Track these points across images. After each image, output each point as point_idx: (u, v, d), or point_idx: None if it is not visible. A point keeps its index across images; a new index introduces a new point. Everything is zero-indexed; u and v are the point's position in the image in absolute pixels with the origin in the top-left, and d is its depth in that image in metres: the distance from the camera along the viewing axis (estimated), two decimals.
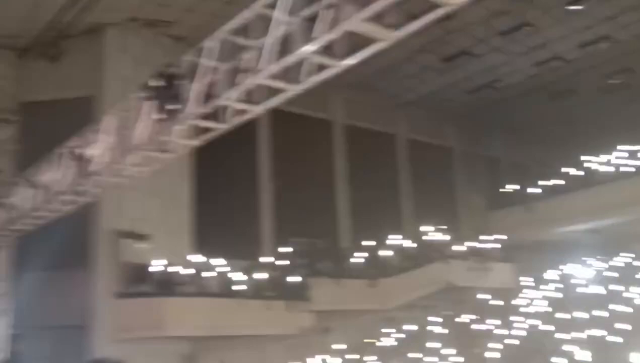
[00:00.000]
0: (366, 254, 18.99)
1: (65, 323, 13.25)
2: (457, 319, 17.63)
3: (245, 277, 16.34)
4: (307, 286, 17.03)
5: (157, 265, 14.81)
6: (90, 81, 15.27)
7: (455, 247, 20.13)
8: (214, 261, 16.30)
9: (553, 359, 13.26)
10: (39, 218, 9.16)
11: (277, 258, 17.92)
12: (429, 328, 17.31)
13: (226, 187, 17.58)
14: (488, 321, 17.09)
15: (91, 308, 13.97)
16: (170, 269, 15.08)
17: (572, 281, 19.65)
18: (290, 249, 18.54)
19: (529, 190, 21.48)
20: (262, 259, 17.87)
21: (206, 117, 7.62)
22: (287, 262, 17.75)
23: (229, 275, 16.29)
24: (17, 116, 13.69)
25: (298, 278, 16.85)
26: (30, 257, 11.56)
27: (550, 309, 17.46)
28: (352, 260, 18.85)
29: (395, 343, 16.98)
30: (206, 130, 7.92)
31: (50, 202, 8.86)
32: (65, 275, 12.04)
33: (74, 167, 8.54)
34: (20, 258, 10.49)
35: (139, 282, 14.46)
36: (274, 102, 7.23)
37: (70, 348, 13.04)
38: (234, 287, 16.00)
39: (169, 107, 7.29)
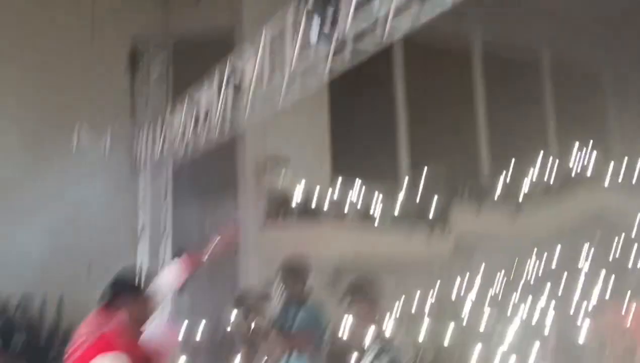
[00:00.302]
0: (509, 180, 18.34)
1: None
2: (609, 253, 16.63)
3: (385, 202, 16.34)
4: (447, 212, 16.76)
5: (299, 193, 15.10)
6: (231, 18, 15.39)
7: (608, 173, 18.94)
8: (353, 188, 16.41)
9: None
10: (195, 144, 9.39)
11: (415, 185, 17.73)
12: (577, 262, 16.45)
13: (363, 116, 17.38)
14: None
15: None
16: (312, 196, 15.35)
17: None
18: (429, 175, 18.25)
19: None
20: (400, 185, 17.78)
21: (359, 37, 7.32)
22: (426, 188, 17.52)
23: (369, 201, 16.33)
24: (166, 53, 14.01)
25: (438, 204, 16.60)
26: (184, 186, 12.01)
27: None
28: (493, 185, 18.29)
29: (539, 276, 16.33)
30: (359, 52, 7.61)
31: (204, 128, 9.03)
32: (216, 204, 12.45)
33: (226, 92, 8.58)
34: (175, 188, 10.92)
35: (283, 210, 14.79)
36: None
37: (222, 274, 13.63)
38: (374, 213, 16.06)
39: (324, 28, 7.05)
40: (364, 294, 4.36)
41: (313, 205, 15.20)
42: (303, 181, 15.19)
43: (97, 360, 3.34)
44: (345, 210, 15.62)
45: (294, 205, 14.96)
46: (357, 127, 17.19)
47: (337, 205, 15.57)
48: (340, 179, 16.33)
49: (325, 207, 15.41)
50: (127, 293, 3.74)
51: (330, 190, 15.84)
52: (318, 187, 15.51)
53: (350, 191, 16.12)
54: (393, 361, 4.08)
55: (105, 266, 10.35)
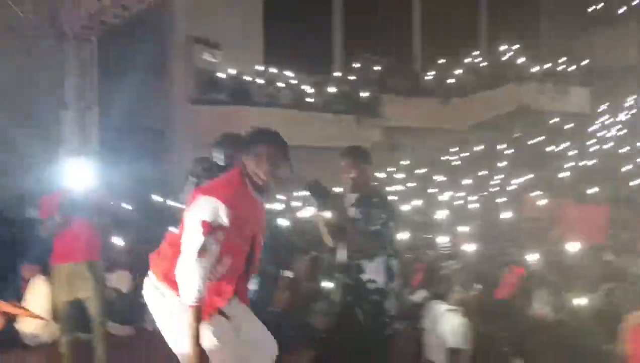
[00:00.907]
0: (439, 72, 18.56)
1: (146, 126, 13.63)
2: (528, 141, 17.34)
3: (316, 90, 16.33)
4: (378, 102, 16.91)
5: (230, 74, 14.86)
6: None
7: (533, 68, 19.42)
8: (285, 73, 16.29)
9: (630, 182, 12.98)
10: (123, 10, 8.97)
11: (348, 73, 17.74)
12: (499, 148, 17.11)
13: (298, 6, 16.96)
14: (560, 145, 16.76)
15: (169, 114, 14.28)
16: (243, 81, 15.14)
17: None
18: (361, 64, 18.25)
19: None
20: (333, 73, 17.76)
21: None
22: (358, 77, 17.57)
23: (301, 87, 16.29)
24: None
25: (369, 94, 16.70)
26: (110, 60, 11.57)
27: (626, 136, 16.96)
28: (424, 77, 18.50)
29: (464, 163, 16.91)
30: None
31: None
32: (144, 80, 12.09)
33: None
34: (101, 61, 10.49)
35: (213, 90, 14.57)
36: None
37: (151, 151, 13.50)
38: (305, 99, 16.05)
39: None
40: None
41: (245, 87, 15.03)
42: (234, 66, 14.94)
43: (197, 199, 3.10)
44: (277, 95, 15.55)
45: (225, 85, 14.75)
46: (291, 16, 16.82)
47: (269, 89, 15.47)
48: (272, 66, 16.19)
49: (257, 93, 15.27)
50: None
51: (262, 76, 15.68)
52: (249, 73, 15.32)
53: (282, 76, 16.04)
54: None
55: (29, 139, 10.14)
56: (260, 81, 15.55)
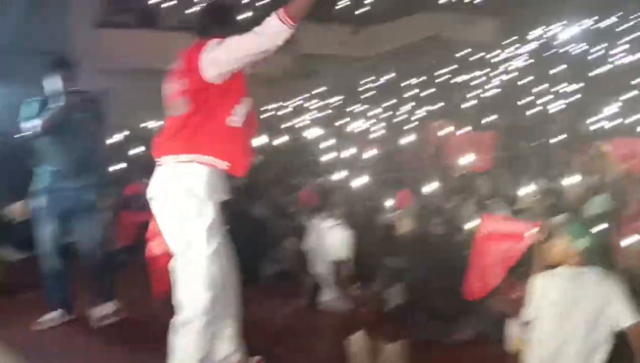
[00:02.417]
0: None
1: (46, 49, 13.04)
2: (437, 70, 17.73)
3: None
4: None
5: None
6: None
7: None
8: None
9: (527, 112, 13.57)
10: None
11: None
12: (409, 77, 17.43)
13: None
14: (468, 74, 17.22)
15: (72, 36, 13.70)
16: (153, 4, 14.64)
17: (557, 40, 19.54)
18: None
19: None
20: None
21: None
22: (264, 9, 17.23)
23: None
24: None
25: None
26: None
27: (531, 66, 17.58)
28: (336, 4, 18.36)
29: (375, 92, 17.15)
30: None
31: None
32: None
33: None
34: None
35: (120, 12, 14.05)
36: None
37: None
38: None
39: None
40: None
41: (153, 10, 14.57)
42: None
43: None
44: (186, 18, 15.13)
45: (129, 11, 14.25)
46: None
47: (178, 11, 15.02)
48: None
49: (165, 16, 14.84)
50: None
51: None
52: None
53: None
54: None
55: None
56: (169, 3, 15.07)
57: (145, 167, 4.69)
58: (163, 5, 14.82)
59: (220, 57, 3.16)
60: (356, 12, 18.19)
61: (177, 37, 14.25)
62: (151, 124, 11.25)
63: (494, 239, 3.89)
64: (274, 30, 3.07)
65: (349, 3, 18.25)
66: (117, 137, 9.92)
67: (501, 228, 3.98)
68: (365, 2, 18.43)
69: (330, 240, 5.23)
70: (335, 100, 16.50)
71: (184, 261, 3.28)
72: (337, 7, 18.22)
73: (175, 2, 14.92)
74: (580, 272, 3.24)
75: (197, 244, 3.24)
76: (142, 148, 9.05)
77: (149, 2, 14.55)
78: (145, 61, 13.02)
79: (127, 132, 10.73)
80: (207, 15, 3.49)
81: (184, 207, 3.25)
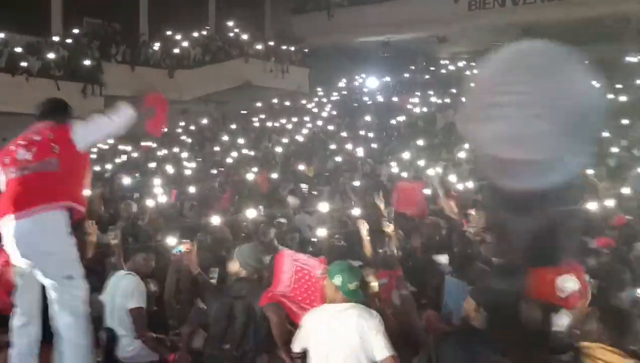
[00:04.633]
0: (165, 43, 18.62)
1: None
2: (251, 117, 18.30)
3: (32, 54, 15.40)
4: (100, 69, 16.45)
5: None
6: None
7: (256, 46, 20.43)
8: None
9: (336, 157, 14.43)
10: None
11: (67, 38, 16.94)
12: (223, 122, 17.78)
13: None
14: (279, 120, 17.94)
15: None
16: None
17: (362, 90, 21.08)
18: (83, 30, 17.59)
19: None
20: (51, 38, 16.81)
21: None
22: (79, 43, 16.87)
23: (14, 49, 15.25)
24: None
25: (91, 62, 16.18)
26: None
27: (337, 113, 18.76)
28: (149, 48, 18.40)
29: (189, 138, 17.23)
30: None
31: None
32: None
33: None
34: None
35: None
36: None
37: None
38: (20, 63, 15.07)
39: None
40: None
41: None
42: None
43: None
44: None
45: None
46: None
47: None
48: None
49: None
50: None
51: None
52: None
53: None
54: None
55: None
56: None
57: None
58: None
59: (93, 133, 4.04)
60: (170, 56, 18.32)
61: None
62: None
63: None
64: (128, 116, 4.05)
65: (162, 46, 18.37)
66: None
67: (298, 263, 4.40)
68: (182, 45, 18.68)
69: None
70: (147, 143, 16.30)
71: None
72: (151, 50, 18.26)
73: None
74: (344, 309, 3.66)
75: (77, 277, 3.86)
76: None
77: None
78: None
79: None
80: (50, 105, 4.24)
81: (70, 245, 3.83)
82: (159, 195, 9.14)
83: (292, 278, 4.38)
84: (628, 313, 3.78)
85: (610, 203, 7.59)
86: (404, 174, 11.29)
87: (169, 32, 18.81)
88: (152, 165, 13.65)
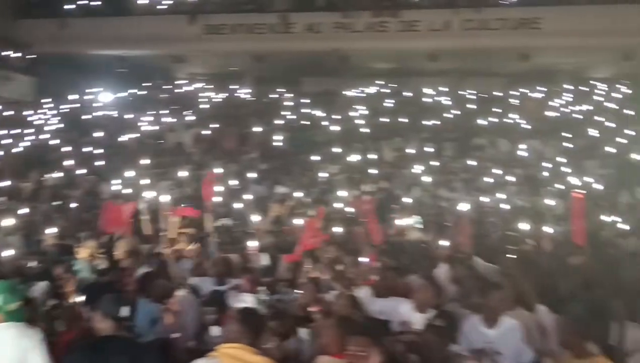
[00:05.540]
0: None
1: None
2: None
3: None
4: None
5: None
6: None
7: None
8: None
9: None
10: None
11: None
12: None
13: None
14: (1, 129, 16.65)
15: None
16: None
17: (95, 104, 20.39)
18: None
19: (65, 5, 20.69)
20: None
21: None
22: None
23: None
24: None
25: None
26: None
27: (64, 127, 17.97)
28: None
29: None
30: None
31: None
32: None
33: None
34: None
35: None
36: None
37: None
38: None
39: None
40: None
41: None
42: None
43: None
44: None
45: None
46: None
47: None
48: None
49: None
50: None
51: None
52: None
53: None
54: None
55: None
56: None
57: None
58: None
59: None
60: None
61: None
62: None
63: None
64: None
65: None
66: None
67: None
68: None
69: None
70: None
71: None
72: None
73: None
74: (3, 328, 3.68)
75: None
76: None
77: None
78: None
79: None
80: None
81: None
82: None
83: None
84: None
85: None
86: (126, 192, 11.31)
87: None
88: None
